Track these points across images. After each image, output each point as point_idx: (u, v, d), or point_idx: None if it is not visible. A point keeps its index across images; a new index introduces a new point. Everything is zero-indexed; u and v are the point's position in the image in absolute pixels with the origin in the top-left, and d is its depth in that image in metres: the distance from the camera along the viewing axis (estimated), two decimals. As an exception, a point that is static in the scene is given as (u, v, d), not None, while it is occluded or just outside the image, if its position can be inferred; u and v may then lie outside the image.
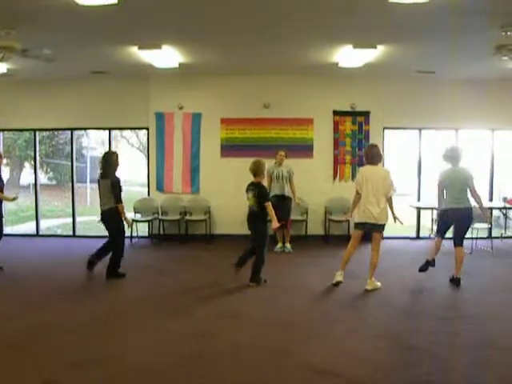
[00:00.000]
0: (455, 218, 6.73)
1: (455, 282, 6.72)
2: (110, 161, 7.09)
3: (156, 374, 4.06)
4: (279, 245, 9.17)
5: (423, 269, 6.92)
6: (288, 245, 9.17)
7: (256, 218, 6.76)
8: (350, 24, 6.45)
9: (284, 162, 9.07)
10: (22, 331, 4.96)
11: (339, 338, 4.85)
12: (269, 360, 4.33)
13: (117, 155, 7.25)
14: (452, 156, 6.75)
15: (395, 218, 6.61)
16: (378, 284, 6.61)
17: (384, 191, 6.38)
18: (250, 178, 6.83)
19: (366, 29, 6.63)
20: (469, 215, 6.72)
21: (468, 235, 9.11)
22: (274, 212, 6.66)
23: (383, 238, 6.81)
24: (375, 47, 7.44)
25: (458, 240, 6.80)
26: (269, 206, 6.65)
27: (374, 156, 6.56)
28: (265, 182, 7.09)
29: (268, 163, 7.06)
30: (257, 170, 6.70)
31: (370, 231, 6.56)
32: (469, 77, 9.58)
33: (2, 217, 7.52)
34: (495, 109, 10.02)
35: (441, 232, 6.95)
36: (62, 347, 4.57)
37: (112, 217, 7.01)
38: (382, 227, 6.54)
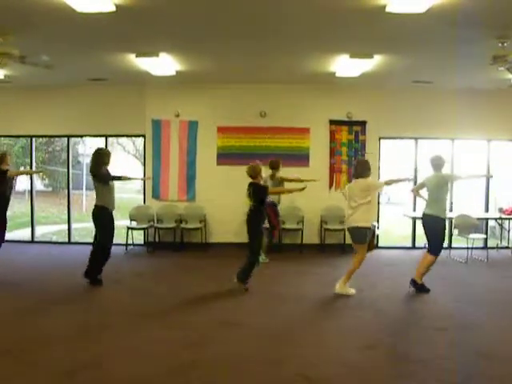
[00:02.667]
0: (423, 223, 7.05)
1: (411, 283, 6.87)
2: (94, 159, 7.06)
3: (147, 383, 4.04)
4: (263, 256, 8.34)
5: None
6: (263, 255, 8.46)
7: (251, 218, 6.84)
8: (347, 34, 6.47)
9: None
10: (12, 339, 4.93)
11: (333, 348, 4.83)
12: (262, 370, 4.29)
13: (97, 153, 7.13)
14: (433, 163, 6.91)
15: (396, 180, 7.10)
16: (351, 291, 6.68)
17: (360, 200, 6.54)
18: (246, 187, 6.85)
19: (363, 38, 6.66)
20: (430, 222, 6.84)
21: (463, 245, 9.23)
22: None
23: (372, 248, 6.82)
24: (372, 57, 7.46)
25: (428, 246, 6.95)
26: (272, 190, 7.54)
27: (356, 171, 6.77)
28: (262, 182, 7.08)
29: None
30: (254, 173, 6.79)
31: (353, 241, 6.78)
32: (465, 87, 9.61)
33: (6, 223, 7.56)
34: (492, 119, 10.04)
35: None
36: (52, 356, 4.53)
37: (99, 215, 7.00)
38: (357, 234, 6.61)
